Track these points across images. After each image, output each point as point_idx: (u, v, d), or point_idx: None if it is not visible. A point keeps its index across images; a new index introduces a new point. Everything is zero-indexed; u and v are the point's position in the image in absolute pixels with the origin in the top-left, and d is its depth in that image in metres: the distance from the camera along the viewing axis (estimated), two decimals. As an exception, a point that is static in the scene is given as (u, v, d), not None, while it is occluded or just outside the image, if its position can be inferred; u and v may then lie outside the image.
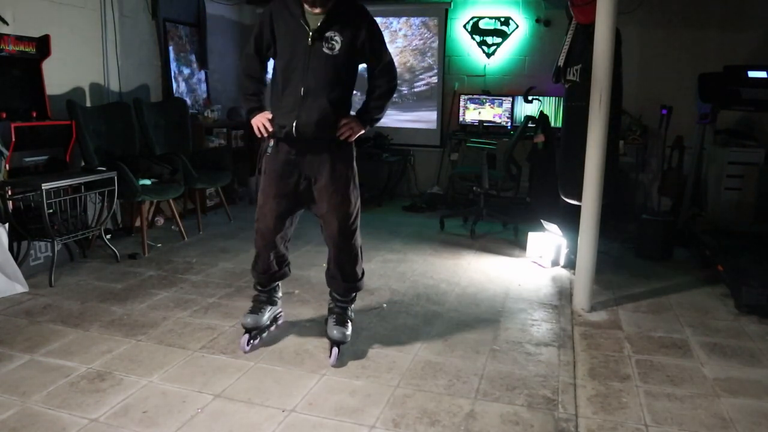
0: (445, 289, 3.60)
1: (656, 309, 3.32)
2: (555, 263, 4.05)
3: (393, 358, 2.66)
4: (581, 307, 3.27)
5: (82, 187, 3.89)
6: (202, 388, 2.37)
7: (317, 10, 2.39)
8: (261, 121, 2.56)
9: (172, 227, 4.82)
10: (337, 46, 2.41)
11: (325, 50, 2.41)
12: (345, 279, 2.71)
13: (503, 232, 5.05)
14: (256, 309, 2.78)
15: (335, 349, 2.63)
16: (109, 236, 4.27)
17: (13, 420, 2.12)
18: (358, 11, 2.47)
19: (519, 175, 4.99)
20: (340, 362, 2.61)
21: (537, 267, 4.08)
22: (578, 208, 3.29)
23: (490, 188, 4.86)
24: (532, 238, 4.25)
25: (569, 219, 3.88)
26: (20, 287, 3.40)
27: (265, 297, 2.83)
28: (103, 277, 3.71)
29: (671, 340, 2.90)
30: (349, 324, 2.74)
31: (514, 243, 4.67)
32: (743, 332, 3.01)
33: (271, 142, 2.56)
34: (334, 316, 2.74)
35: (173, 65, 5.58)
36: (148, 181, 4.29)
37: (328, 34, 2.41)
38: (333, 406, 2.25)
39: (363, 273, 2.78)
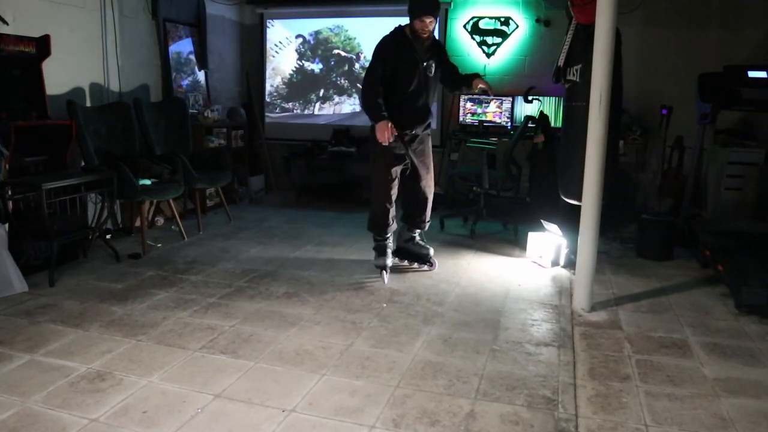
0: (445, 289, 3.60)
1: (656, 309, 3.32)
2: (555, 263, 4.05)
3: (393, 358, 2.66)
4: (581, 307, 3.27)
5: (82, 187, 3.89)
6: (202, 388, 2.37)
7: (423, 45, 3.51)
8: (389, 126, 3.43)
9: (172, 227, 4.82)
10: (433, 68, 3.57)
11: (427, 73, 3.54)
12: (429, 214, 3.86)
13: (503, 232, 5.05)
14: (383, 252, 3.76)
15: (434, 258, 3.95)
16: (109, 236, 4.27)
17: (13, 420, 2.12)
18: (437, 42, 3.67)
19: (519, 175, 4.98)
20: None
21: (537, 267, 4.08)
22: (578, 208, 3.29)
23: (490, 188, 4.86)
24: (532, 238, 4.25)
25: (569, 219, 3.88)
26: (20, 287, 3.40)
27: (385, 243, 3.77)
28: (103, 277, 3.72)
29: (671, 340, 2.90)
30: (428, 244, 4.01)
31: (514, 243, 4.67)
32: (743, 332, 3.01)
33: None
34: (424, 240, 3.99)
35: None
36: (148, 181, 4.29)
37: (428, 62, 3.53)
38: (333, 406, 2.25)
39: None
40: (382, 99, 3.48)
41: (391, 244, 3.79)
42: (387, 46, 3.49)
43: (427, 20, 3.36)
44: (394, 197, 3.68)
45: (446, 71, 3.69)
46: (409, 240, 3.94)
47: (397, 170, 3.62)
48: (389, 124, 3.41)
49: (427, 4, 3.36)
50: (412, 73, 3.48)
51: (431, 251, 3.93)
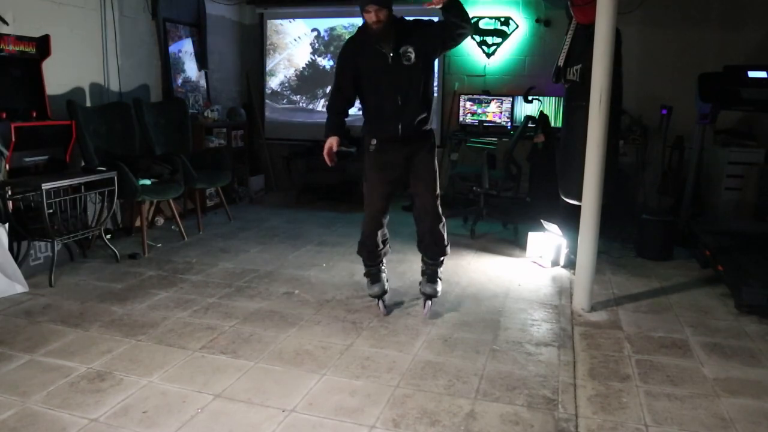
0: (445, 289, 3.58)
1: (656, 309, 3.32)
2: (555, 263, 4.05)
3: (393, 358, 2.66)
4: (581, 307, 3.27)
5: (82, 187, 3.89)
6: (202, 388, 2.37)
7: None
8: (331, 145, 3.02)
9: (172, 227, 4.82)
10: (412, 55, 2.92)
11: (404, 62, 2.92)
12: (437, 244, 3.15)
13: (503, 232, 5.05)
14: (376, 279, 3.25)
15: (428, 302, 3.21)
16: (109, 236, 4.27)
17: (13, 420, 2.12)
18: (410, 24, 3.01)
19: (519, 175, 4.98)
20: (432, 313, 3.13)
21: (537, 267, 4.08)
22: (578, 208, 3.29)
23: (490, 188, 4.86)
24: (532, 238, 4.25)
25: (569, 219, 3.88)
26: (20, 287, 3.40)
27: (377, 269, 3.25)
28: (103, 277, 3.71)
29: (671, 340, 2.90)
30: (439, 282, 3.24)
31: (514, 243, 4.67)
32: (743, 332, 3.01)
33: (374, 141, 3.04)
34: (426, 276, 3.24)
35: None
36: (148, 181, 4.29)
37: (400, 51, 2.91)
38: (333, 406, 2.25)
39: (448, 241, 3.20)
40: (339, 113, 3.10)
41: (384, 269, 3.28)
42: (348, 48, 3.10)
43: (372, 9, 2.84)
44: (381, 216, 3.12)
45: (439, 35, 3.00)
46: (423, 271, 3.27)
47: (385, 183, 3.07)
48: (331, 144, 3.00)
49: None
50: (381, 69, 2.97)
51: (430, 293, 3.20)
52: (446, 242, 3.17)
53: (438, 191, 3.12)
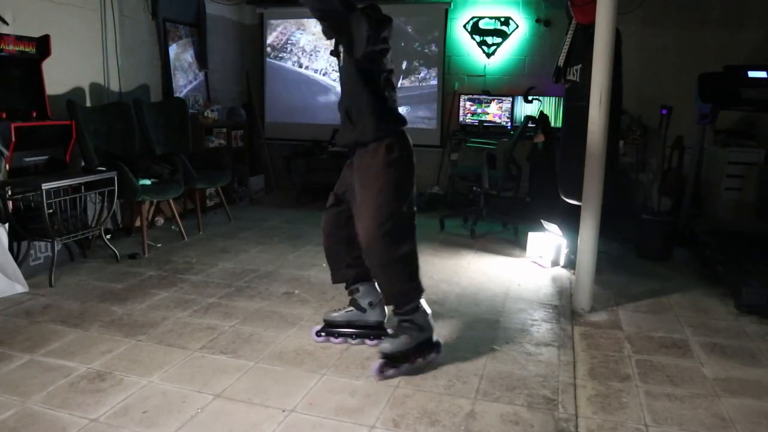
0: (445, 289, 3.60)
1: (656, 309, 3.32)
2: (555, 263, 4.05)
3: (393, 358, 2.65)
4: (581, 307, 3.27)
5: (82, 187, 3.89)
6: (202, 388, 2.37)
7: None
8: None
9: (172, 227, 4.82)
10: (341, 57, 2.51)
11: (339, 65, 2.55)
12: (385, 289, 2.53)
13: (503, 232, 5.05)
14: (343, 307, 2.83)
15: (378, 361, 2.46)
16: (109, 236, 4.27)
17: (13, 420, 2.12)
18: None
19: (519, 175, 4.98)
20: (381, 376, 2.42)
21: (537, 267, 4.08)
22: (578, 208, 3.29)
23: (490, 188, 4.86)
24: (532, 238, 4.25)
25: (569, 219, 3.88)
26: (20, 287, 3.40)
27: (350, 296, 2.82)
28: (103, 277, 3.71)
29: (671, 340, 2.90)
30: (403, 338, 2.46)
31: (514, 243, 4.67)
32: (743, 332, 3.01)
33: None
34: (392, 328, 2.60)
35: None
36: (148, 181, 4.29)
37: (338, 54, 2.53)
38: (333, 406, 2.25)
39: (410, 289, 2.47)
40: None
41: (367, 295, 2.77)
42: None
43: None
44: (326, 230, 2.77)
45: None
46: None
47: (336, 190, 2.75)
48: None
49: None
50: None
51: (381, 348, 2.48)
52: (398, 288, 2.46)
53: (380, 220, 2.38)
